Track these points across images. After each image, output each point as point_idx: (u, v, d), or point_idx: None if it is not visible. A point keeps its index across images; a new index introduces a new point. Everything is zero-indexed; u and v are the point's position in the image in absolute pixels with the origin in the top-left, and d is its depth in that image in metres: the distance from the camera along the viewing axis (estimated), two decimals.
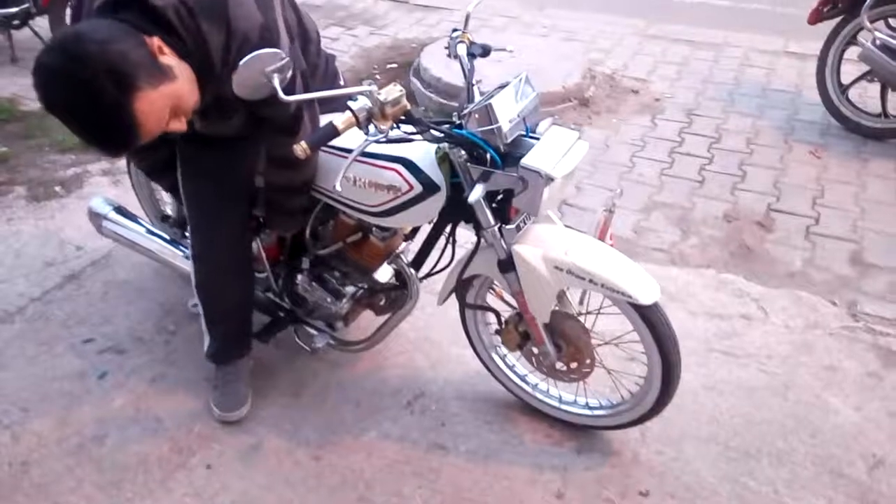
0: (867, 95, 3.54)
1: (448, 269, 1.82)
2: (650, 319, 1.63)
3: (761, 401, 2.04)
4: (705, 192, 3.05)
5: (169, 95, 1.30)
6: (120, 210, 2.30)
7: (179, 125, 1.37)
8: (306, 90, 1.57)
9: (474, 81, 1.69)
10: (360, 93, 1.36)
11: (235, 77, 1.28)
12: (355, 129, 1.36)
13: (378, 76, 4.14)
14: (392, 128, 1.40)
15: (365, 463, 1.87)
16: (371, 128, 1.39)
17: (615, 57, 4.31)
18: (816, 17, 3.43)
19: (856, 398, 2.05)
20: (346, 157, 1.42)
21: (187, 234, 1.88)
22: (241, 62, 1.26)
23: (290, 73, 1.33)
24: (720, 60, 4.23)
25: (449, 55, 1.79)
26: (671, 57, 4.30)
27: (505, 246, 1.63)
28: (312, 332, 2.07)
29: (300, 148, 1.30)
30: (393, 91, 1.37)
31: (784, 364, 2.16)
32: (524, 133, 1.55)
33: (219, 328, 1.97)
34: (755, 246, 2.71)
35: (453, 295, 1.85)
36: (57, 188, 3.05)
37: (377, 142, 1.45)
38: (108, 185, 3.08)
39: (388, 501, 1.78)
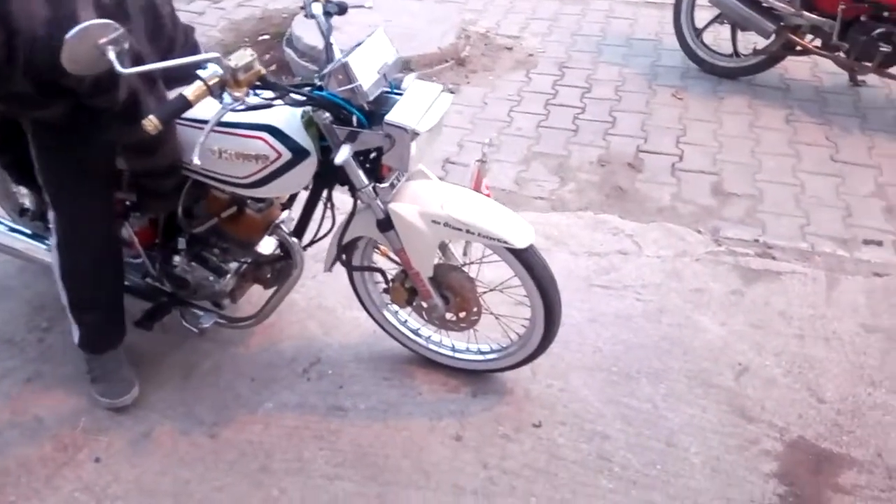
0: (720, 38, 3.76)
1: (330, 235, 1.82)
2: (528, 262, 1.70)
3: (638, 327, 2.18)
4: (580, 140, 3.18)
5: None
6: None
7: None
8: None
9: (338, 44, 1.67)
10: (209, 60, 1.31)
11: (64, 52, 1.21)
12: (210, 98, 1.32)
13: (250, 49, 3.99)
14: (248, 94, 1.37)
15: (263, 434, 1.86)
16: (226, 96, 1.35)
17: (488, 16, 4.36)
18: None
19: (721, 315, 2.23)
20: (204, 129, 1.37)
21: (51, 225, 1.78)
22: (68, 36, 1.19)
23: (126, 45, 1.27)
24: (587, 14, 4.37)
25: (306, 15, 1.75)
26: (541, 13, 4.40)
27: (381, 205, 1.63)
28: (198, 312, 2.01)
29: (150, 123, 1.24)
30: (244, 56, 1.33)
31: (657, 291, 2.32)
32: (388, 90, 1.55)
33: (88, 316, 1.87)
34: (627, 186, 2.87)
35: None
36: None
37: (235, 110, 1.41)
38: None
39: (289, 467, 1.78)
